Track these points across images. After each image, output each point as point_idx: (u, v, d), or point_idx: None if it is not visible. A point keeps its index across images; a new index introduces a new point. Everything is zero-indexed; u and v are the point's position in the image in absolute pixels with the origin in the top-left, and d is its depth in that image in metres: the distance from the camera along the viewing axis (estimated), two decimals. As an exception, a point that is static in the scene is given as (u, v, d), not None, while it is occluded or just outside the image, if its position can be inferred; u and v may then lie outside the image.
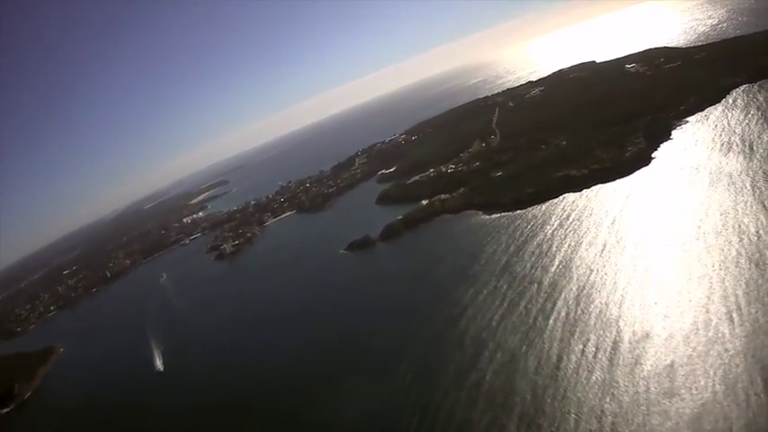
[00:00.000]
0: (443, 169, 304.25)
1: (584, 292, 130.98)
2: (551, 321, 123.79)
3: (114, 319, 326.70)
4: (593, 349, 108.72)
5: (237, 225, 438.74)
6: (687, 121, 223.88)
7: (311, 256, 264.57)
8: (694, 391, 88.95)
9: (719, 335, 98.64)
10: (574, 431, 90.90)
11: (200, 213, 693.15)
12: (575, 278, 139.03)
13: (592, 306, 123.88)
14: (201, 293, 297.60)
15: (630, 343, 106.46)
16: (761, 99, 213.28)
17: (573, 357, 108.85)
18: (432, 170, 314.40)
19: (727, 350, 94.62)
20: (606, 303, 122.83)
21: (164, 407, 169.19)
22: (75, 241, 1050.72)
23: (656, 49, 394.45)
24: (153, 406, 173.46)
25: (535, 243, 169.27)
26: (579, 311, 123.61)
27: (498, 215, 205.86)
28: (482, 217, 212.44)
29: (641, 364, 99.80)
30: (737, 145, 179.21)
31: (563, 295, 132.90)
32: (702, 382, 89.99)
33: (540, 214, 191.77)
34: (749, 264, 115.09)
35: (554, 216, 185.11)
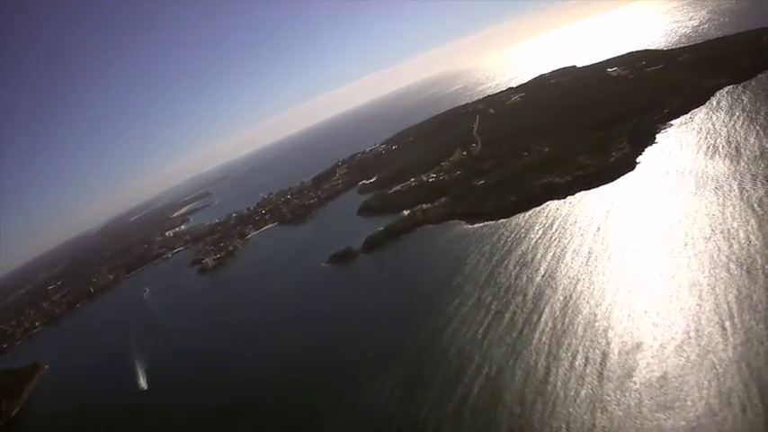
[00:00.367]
0: (425, 178, 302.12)
1: (571, 301, 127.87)
2: (538, 333, 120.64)
3: (98, 335, 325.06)
4: (583, 361, 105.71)
5: (219, 238, 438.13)
6: (671, 125, 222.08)
7: (293, 270, 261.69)
8: (689, 404, 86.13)
9: (713, 344, 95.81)
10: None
11: (183, 226, 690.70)
12: (561, 288, 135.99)
13: (579, 316, 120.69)
14: (184, 308, 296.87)
15: (621, 354, 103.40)
16: (745, 100, 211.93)
17: (561, 370, 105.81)
18: (413, 180, 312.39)
19: (721, 360, 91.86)
20: (594, 313, 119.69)
21: (150, 421, 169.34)
22: (60, 255, 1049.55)
23: (637, 52, 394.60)
24: (139, 420, 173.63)
25: (519, 252, 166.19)
26: (567, 322, 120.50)
27: (481, 224, 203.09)
28: (465, 226, 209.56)
29: (633, 376, 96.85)
30: (723, 147, 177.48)
31: (549, 306, 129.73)
32: (697, 394, 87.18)
33: (523, 223, 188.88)
34: (740, 270, 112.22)
35: (538, 224, 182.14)
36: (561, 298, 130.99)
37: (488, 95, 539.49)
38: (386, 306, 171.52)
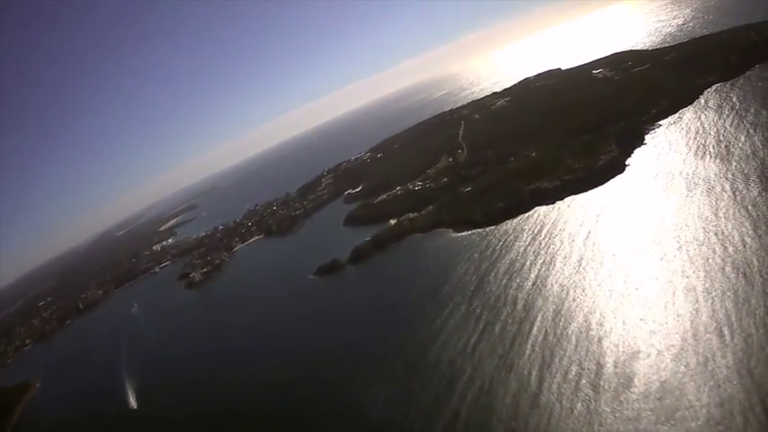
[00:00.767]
0: (411, 187, 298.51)
1: (563, 310, 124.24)
2: (529, 344, 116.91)
3: (88, 352, 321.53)
4: (577, 372, 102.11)
5: (206, 251, 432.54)
6: (660, 125, 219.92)
7: (280, 283, 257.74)
8: (689, 415, 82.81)
9: (711, 351, 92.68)
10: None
11: (170, 240, 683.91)
12: (552, 296, 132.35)
13: (572, 325, 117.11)
14: (172, 323, 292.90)
15: (617, 364, 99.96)
16: (734, 98, 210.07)
17: (555, 383, 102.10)
18: (399, 188, 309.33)
19: (720, 367, 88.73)
20: (587, 322, 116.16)
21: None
22: (50, 270, 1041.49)
23: (622, 52, 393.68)
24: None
25: (508, 260, 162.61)
26: (559, 331, 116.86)
27: (469, 232, 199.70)
28: (452, 235, 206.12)
29: (630, 386, 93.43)
30: (713, 147, 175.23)
31: (540, 315, 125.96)
32: (697, 404, 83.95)
33: (511, 229, 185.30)
34: (736, 273, 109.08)
35: (526, 231, 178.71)
36: (553, 306, 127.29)
37: (473, 100, 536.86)
38: (374, 319, 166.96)
